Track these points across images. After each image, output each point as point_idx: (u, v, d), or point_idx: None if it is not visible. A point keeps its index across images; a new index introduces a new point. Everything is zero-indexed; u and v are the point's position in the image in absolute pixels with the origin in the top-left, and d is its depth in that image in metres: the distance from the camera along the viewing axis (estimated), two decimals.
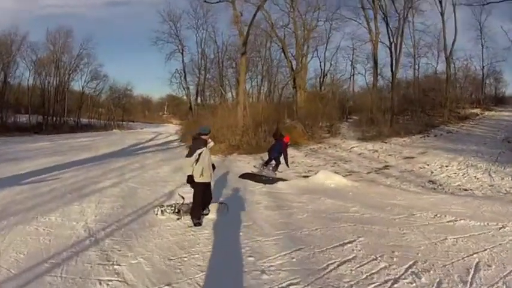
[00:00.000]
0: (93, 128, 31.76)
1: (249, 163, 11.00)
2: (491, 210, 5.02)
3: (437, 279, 2.73)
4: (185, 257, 3.24)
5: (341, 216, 4.74)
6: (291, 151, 10.92)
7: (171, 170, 9.27)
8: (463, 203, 5.61)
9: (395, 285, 2.66)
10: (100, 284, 2.71)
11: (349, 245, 3.52)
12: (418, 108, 18.25)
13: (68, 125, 29.69)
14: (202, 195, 4.39)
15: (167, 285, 2.69)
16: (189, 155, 4.32)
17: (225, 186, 7.00)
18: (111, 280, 2.77)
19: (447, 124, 16.22)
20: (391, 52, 18.45)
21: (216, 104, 22.72)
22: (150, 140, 21.79)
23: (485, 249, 3.35)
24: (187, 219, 4.37)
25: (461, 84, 21.56)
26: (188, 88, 26.79)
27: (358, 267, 2.99)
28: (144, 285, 2.70)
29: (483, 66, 21.94)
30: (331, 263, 3.06)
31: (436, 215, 4.65)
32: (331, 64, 24.01)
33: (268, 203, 5.60)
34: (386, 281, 2.72)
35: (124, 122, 36.87)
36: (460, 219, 4.42)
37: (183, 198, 4.60)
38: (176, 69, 26.79)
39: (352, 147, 13.67)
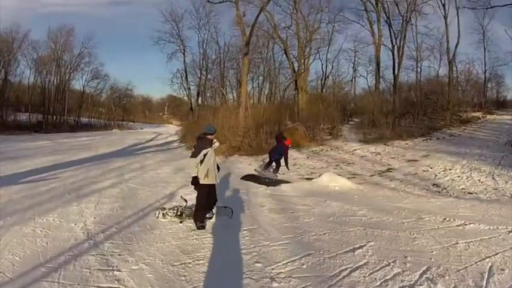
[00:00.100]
0: (93, 128, 31.67)
1: (250, 165, 10.88)
2: (499, 214, 4.99)
3: (453, 285, 2.67)
4: (189, 263, 3.10)
5: (348, 220, 4.63)
6: (292, 153, 10.84)
7: (172, 170, 9.20)
8: (471, 206, 5.58)
9: None
10: None
11: (359, 250, 3.40)
12: (420, 111, 18.15)
13: (68, 124, 29.64)
14: (207, 197, 4.23)
15: None
16: (194, 155, 4.12)
17: (227, 187, 6.87)
18: (111, 287, 2.64)
19: (449, 127, 16.13)
20: (393, 55, 18.46)
21: (217, 104, 22.61)
22: (150, 141, 21.66)
23: (497, 253, 3.30)
24: (189, 222, 4.23)
25: (463, 88, 21.54)
26: (189, 88, 26.67)
27: (371, 273, 2.88)
28: None
29: (485, 70, 22.04)
30: (343, 269, 2.95)
31: (445, 219, 4.58)
32: (333, 66, 23.93)
33: (273, 206, 5.47)
34: None
35: (124, 122, 36.78)
36: (470, 223, 4.36)
37: (186, 201, 4.45)
38: (177, 69, 26.61)
39: (354, 150, 13.55)
